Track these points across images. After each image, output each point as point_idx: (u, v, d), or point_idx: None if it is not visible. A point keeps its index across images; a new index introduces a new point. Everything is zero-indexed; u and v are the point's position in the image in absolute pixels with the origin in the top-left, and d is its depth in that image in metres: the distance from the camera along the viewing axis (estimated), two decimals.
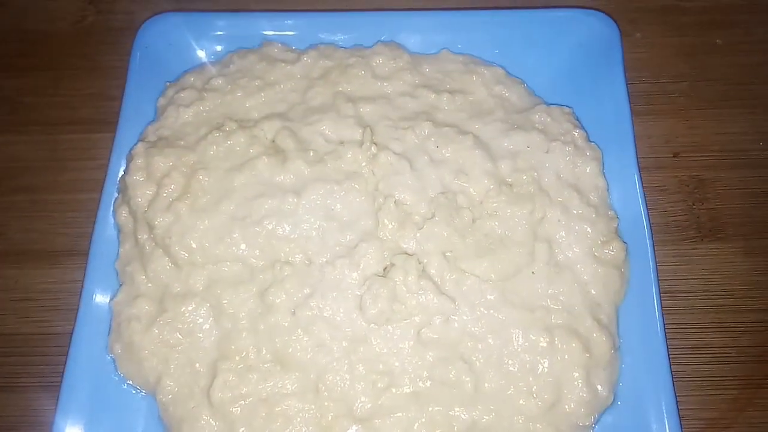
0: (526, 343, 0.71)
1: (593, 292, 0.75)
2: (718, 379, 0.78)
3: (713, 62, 0.98)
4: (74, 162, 0.94)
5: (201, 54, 0.93)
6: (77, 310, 0.76)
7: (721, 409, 0.77)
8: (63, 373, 0.73)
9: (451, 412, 0.69)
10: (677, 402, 0.70)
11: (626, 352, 0.74)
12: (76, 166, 0.94)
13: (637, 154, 0.82)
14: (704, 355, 0.80)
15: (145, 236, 0.77)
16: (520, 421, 0.69)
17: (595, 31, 0.90)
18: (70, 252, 0.87)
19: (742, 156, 0.91)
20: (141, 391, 0.75)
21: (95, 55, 1.02)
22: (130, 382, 0.75)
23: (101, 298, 0.77)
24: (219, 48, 0.94)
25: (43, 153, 0.95)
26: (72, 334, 0.75)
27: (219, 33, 0.93)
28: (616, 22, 0.89)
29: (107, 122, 0.92)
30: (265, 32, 0.93)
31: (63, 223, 0.90)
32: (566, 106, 0.87)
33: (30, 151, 0.95)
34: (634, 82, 0.91)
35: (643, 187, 0.80)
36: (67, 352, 0.74)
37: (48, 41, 1.04)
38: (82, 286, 0.77)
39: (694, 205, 0.88)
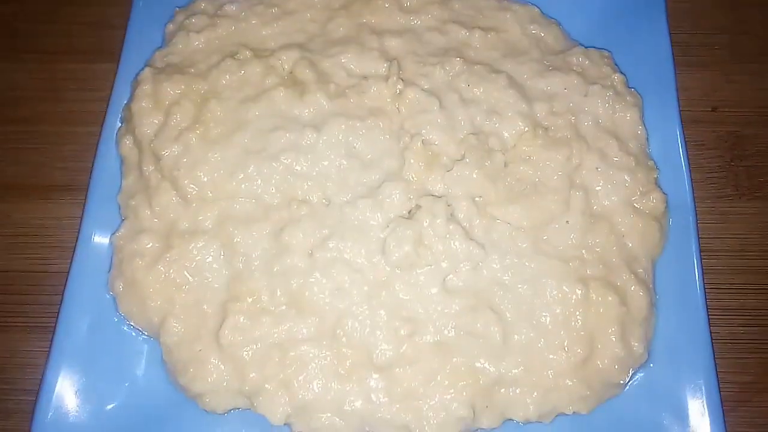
0: (559, 295, 0.66)
1: (630, 244, 0.70)
2: (754, 342, 0.75)
3: (755, 15, 0.93)
4: (73, 93, 0.89)
5: None
6: (75, 245, 0.71)
7: (756, 373, 0.73)
8: (58, 311, 0.68)
9: (477, 364, 0.65)
10: (716, 363, 0.66)
11: (662, 309, 0.69)
12: (75, 98, 0.88)
13: (679, 104, 0.77)
14: (739, 317, 0.76)
15: (151, 168, 0.72)
16: (550, 375, 0.65)
17: None
18: (67, 187, 0.82)
19: None
20: (143, 333, 0.69)
21: None
22: (131, 323, 0.69)
23: (101, 233, 0.72)
24: None
25: (39, 82, 0.90)
26: (69, 270, 0.70)
27: None
28: None
29: (108, 52, 0.87)
30: None
31: (60, 156, 0.85)
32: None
33: (26, 80, 0.90)
34: (671, 32, 0.86)
35: (684, 138, 0.75)
36: (63, 290, 0.69)
37: None
38: (81, 219, 0.72)
39: (732, 161, 0.84)
